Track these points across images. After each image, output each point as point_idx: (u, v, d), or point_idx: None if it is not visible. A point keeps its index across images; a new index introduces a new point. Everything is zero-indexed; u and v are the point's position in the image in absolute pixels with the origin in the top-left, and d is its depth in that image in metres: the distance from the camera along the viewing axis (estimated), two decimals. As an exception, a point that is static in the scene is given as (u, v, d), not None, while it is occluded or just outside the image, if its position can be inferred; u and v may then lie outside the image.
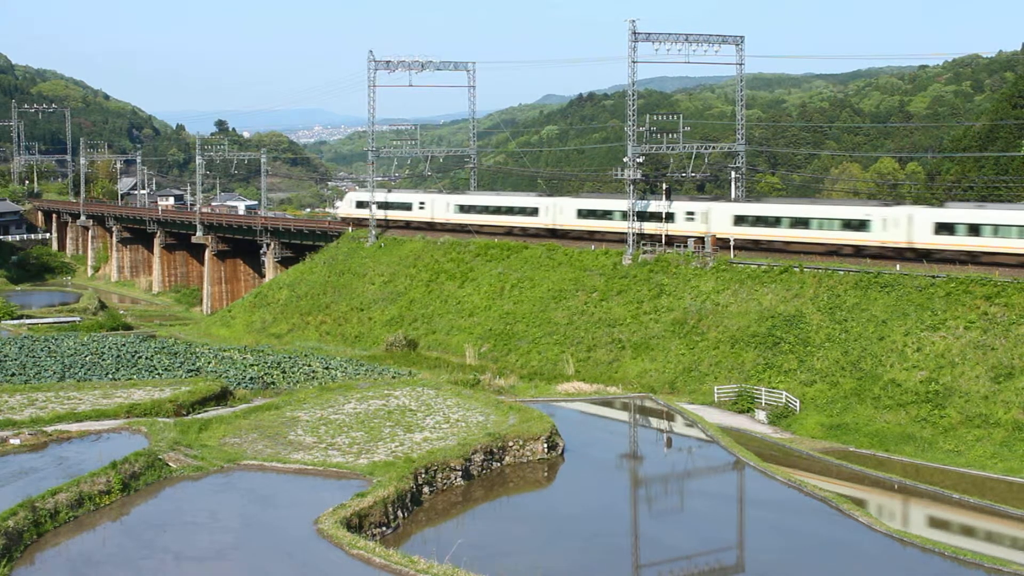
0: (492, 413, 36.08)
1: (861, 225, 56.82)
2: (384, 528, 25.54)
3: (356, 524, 24.58)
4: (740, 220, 62.88)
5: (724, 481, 33.73)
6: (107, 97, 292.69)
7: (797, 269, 55.13)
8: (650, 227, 64.84)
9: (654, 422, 43.11)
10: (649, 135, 68.65)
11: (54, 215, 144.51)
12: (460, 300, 68.83)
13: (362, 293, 76.11)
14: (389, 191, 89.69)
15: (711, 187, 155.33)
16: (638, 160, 65.52)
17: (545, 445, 33.16)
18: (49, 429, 32.00)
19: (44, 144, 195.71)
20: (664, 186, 69.04)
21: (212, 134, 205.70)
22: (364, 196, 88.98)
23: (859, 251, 56.58)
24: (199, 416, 35.35)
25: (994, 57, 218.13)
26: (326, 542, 23.01)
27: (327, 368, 51.34)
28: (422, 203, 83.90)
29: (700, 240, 62.52)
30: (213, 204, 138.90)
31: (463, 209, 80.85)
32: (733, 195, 70.46)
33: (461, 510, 28.59)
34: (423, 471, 28.77)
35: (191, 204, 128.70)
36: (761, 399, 46.80)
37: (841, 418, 44.28)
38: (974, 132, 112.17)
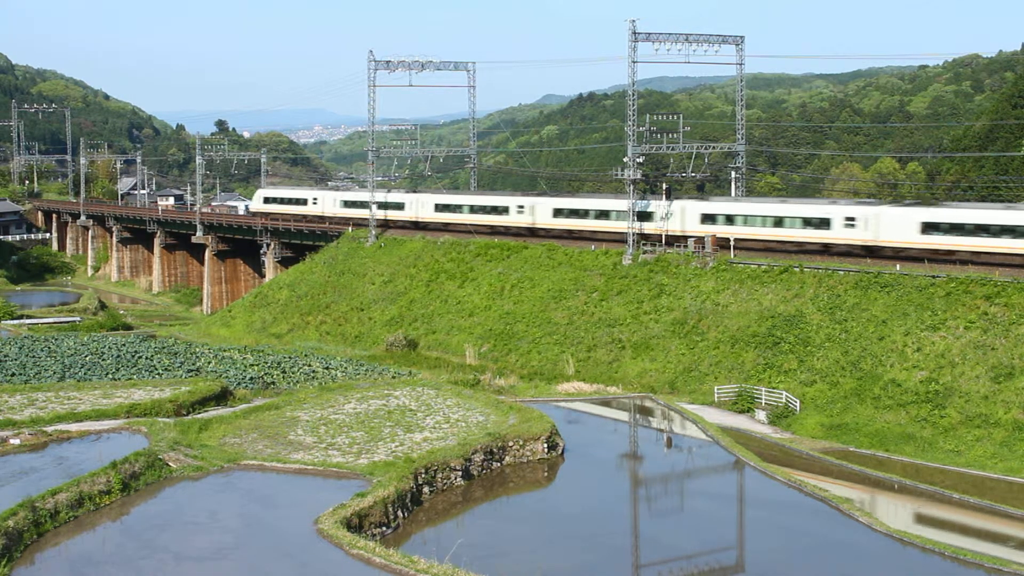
0: (492, 413, 36.08)
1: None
2: (384, 528, 25.55)
3: (356, 524, 24.58)
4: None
5: (724, 481, 33.73)
6: (107, 97, 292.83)
7: (797, 269, 55.14)
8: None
9: (654, 422, 43.11)
10: (649, 135, 68.67)
11: (54, 215, 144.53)
12: (460, 300, 68.84)
13: (362, 293, 76.12)
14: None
15: (711, 187, 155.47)
16: (638, 160, 65.53)
17: (545, 445, 33.16)
18: (49, 429, 32.00)
19: (44, 144, 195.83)
20: (664, 186, 69.07)
21: (212, 134, 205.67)
22: (271, 192, 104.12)
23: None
24: (199, 416, 35.35)
25: (994, 57, 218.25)
26: (326, 542, 23.01)
27: (327, 368, 51.34)
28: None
29: (700, 240, 62.52)
30: (213, 204, 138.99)
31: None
32: (733, 195, 70.47)
33: (461, 510, 28.59)
34: (423, 471, 28.78)
35: (191, 204, 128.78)
36: (761, 399, 46.81)
37: (841, 418, 44.28)
38: (974, 132, 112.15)
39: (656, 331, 56.55)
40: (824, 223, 58.76)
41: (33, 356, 50.07)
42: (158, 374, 46.74)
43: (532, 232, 74.32)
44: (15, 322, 71.64)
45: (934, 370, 44.55)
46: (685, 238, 63.93)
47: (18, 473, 27.40)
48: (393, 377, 48.50)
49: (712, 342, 53.52)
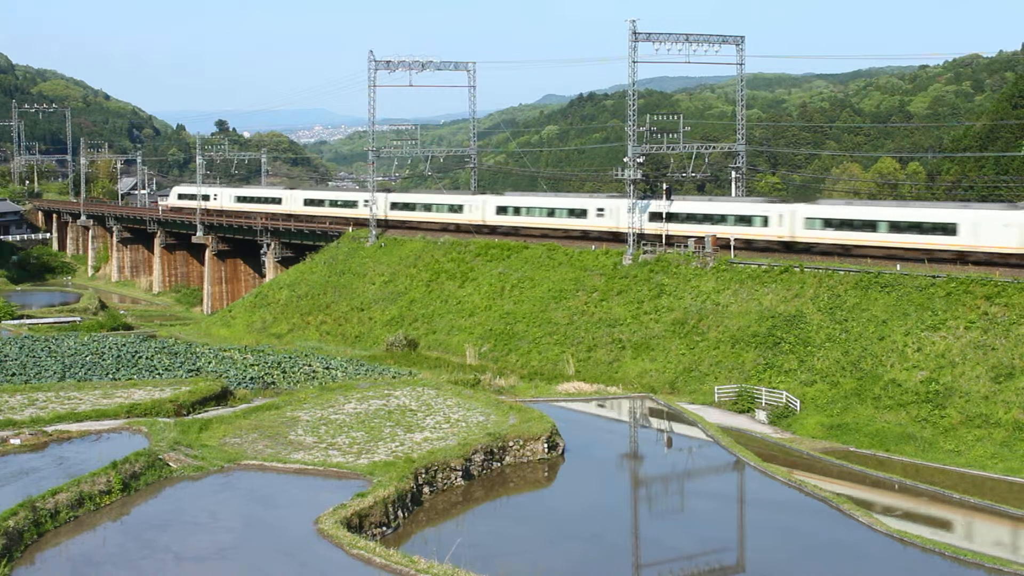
0: (492, 413, 36.08)
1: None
2: (384, 528, 25.54)
3: (356, 524, 24.58)
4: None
5: (724, 481, 33.73)
6: (107, 97, 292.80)
7: (797, 269, 55.14)
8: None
9: (654, 422, 43.11)
10: (649, 135, 68.67)
11: (54, 215, 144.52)
12: (460, 300, 68.85)
13: (362, 293, 76.12)
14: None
15: (711, 187, 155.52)
16: (638, 160, 65.55)
17: (545, 445, 33.16)
18: (49, 429, 32.00)
19: (44, 144, 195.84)
20: (664, 186, 69.12)
21: (212, 134, 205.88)
22: (185, 189, 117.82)
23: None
24: (199, 416, 35.35)
25: (994, 57, 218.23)
26: (326, 542, 23.01)
27: (327, 368, 51.34)
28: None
29: (700, 240, 62.54)
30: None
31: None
32: (733, 195, 70.48)
33: (461, 510, 28.59)
34: (423, 471, 28.77)
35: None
36: (761, 399, 46.81)
37: (841, 418, 44.28)
38: (974, 132, 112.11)
39: (656, 331, 56.54)
40: (583, 213, 71.28)
41: (33, 356, 50.07)
42: (158, 374, 46.74)
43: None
44: (15, 322, 71.67)
45: (934, 370, 44.55)
46: (490, 227, 77.31)
47: (18, 473, 27.41)
48: (393, 377, 48.50)
49: (712, 342, 53.52)
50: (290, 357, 55.18)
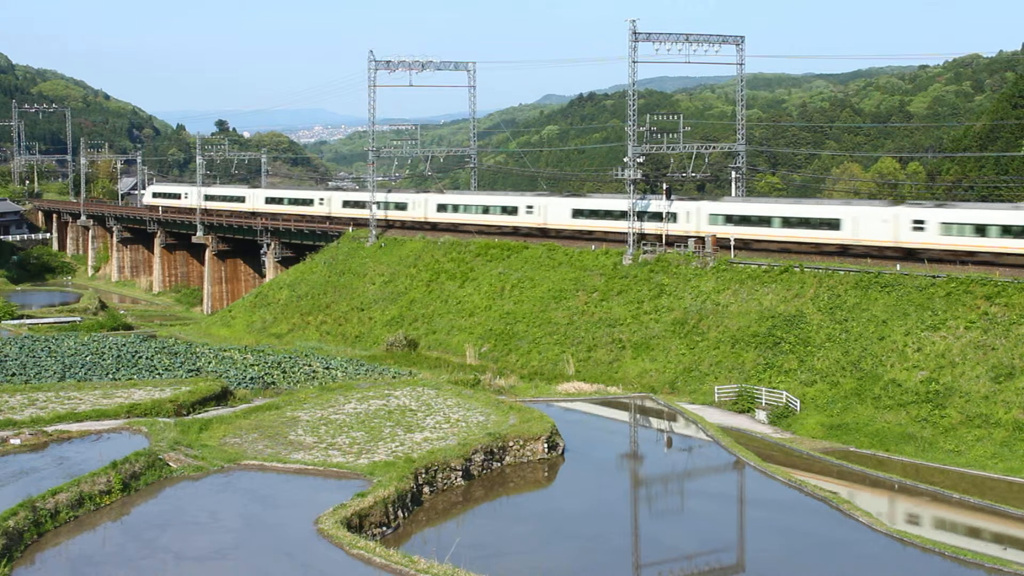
0: (492, 413, 36.08)
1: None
2: (384, 528, 25.55)
3: (356, 524, 24.58)
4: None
5: (724, 481, 33.73)
6: (107, 97, 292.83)
7: (797, 269, 55.15)
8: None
9: (654, 422, 43.11)
10: (649, 135, 68.67)
11: (54, 215, 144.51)
12: (460, 300, 68.85)
13: (362, 293, 76.13)
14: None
15: (711, 187, 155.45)
16: (638, 160, 65.55)
17: (545, 445, 33.16)
18: (49, 429, 32.00)
19: (44, 144, 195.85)
20: (664, 186, 69.16)
21: (212, 134, 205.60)
22: (159, 188, 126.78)
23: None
24: (199, 416, 35.35)
25: (994, 57, 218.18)
26: (326, 542, 23.02)
27: (327, 368, 51.34)
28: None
29: (700, 240, 62.56)
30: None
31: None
32: (733, 195, 70.47)
33: (461, 510, 28.59)
34: (423, 471, 28.78)
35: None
36: (761, 399, 46.81)
37: (841, 418, 44.28)
38: (974, 132, 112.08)
39: (656, 331, 56.55)
40: (514, 210, 76.74)
41: (33, 356, 50.07)
42: (158, 374, 46.75)
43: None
44: (15, 322, 71.66)
45: (934, 370, 44.56)
46: (432, 223, 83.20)
47: (18, 473, 27.41)
48: (393, 377, 48.50)
49: (712, 342, 53.53)
50: (290, 357, 55.18)
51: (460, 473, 29.92)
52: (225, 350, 56.80)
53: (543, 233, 74.05)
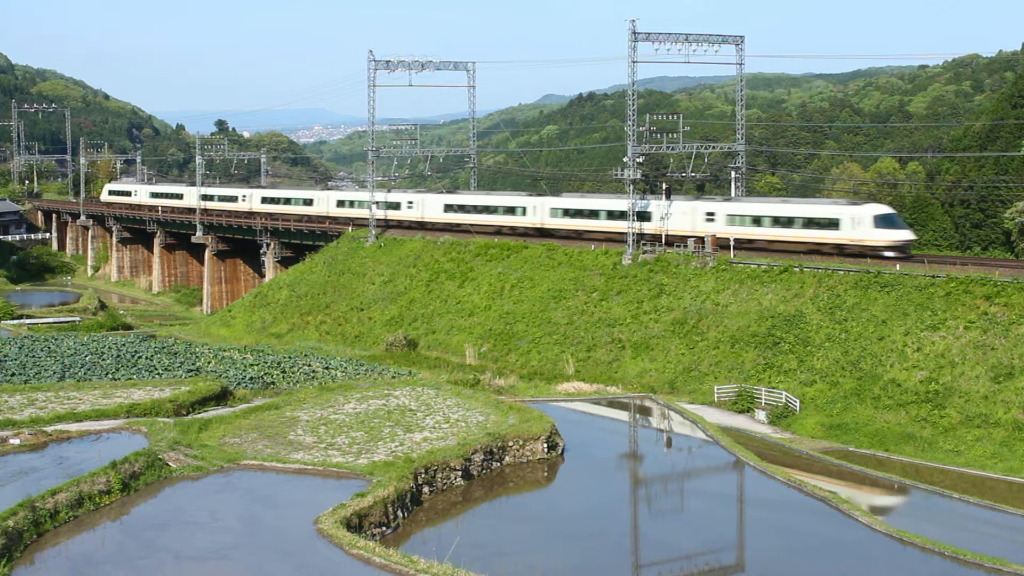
0: (492, 413, 36.07)
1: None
2: (384, 528, 25.53)
3: (356, 524, 24.56)
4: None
5: (724, 481, 33.72)
6: (107, 97, 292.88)
7: (797, 269, 55.14)
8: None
9: (654, 422, 43.09)
10: (649, 135, 68.64)
11: (54, 215, 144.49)
12: (460, 300, 68.84)
13: (362, 293, 76.11)
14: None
15: (711, 187, 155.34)
16: (638, 160, 65.53)
17: (545, 445, 33.15)
18: (49, 429, 31.98)
19: (44, 144, 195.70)
20: (664, 186, 69.15)
21: (212, 134, 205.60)
22: (115, 187, 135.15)
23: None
24: (199, 416, 35.33)
25: (994, 57, 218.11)
26: (326, 542, 23.00)
27: (327, 368, 51.33)
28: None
29: (700, 240, 62.55)
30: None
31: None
32: (733, 195, 70.44)
33: (461, 510, 28.58)
34: (423, 471, 28.76)
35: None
36: (761, 399, 46.81)
37: (841, 418, 44.28)
38: (974, 132, 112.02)
39: (656, 331, 56.54)
40: (397, 205, 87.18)
41: (33, 356, 50.06)
42: (158, 374, 46.73)
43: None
44: (15, 322, 71.64)
45: (934, 370, 44.55)
46: (332, 218, 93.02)
47: (18, 473, 27.39)
48: (393, 377, 48.49)
49: (712, 342, 53.52)
50: (290, 357, 55.16)
51: (460, 473, 29.91)
52: (225, 350, 56.79)
53: (421, 227, 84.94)
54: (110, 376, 45.34)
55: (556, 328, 60.77)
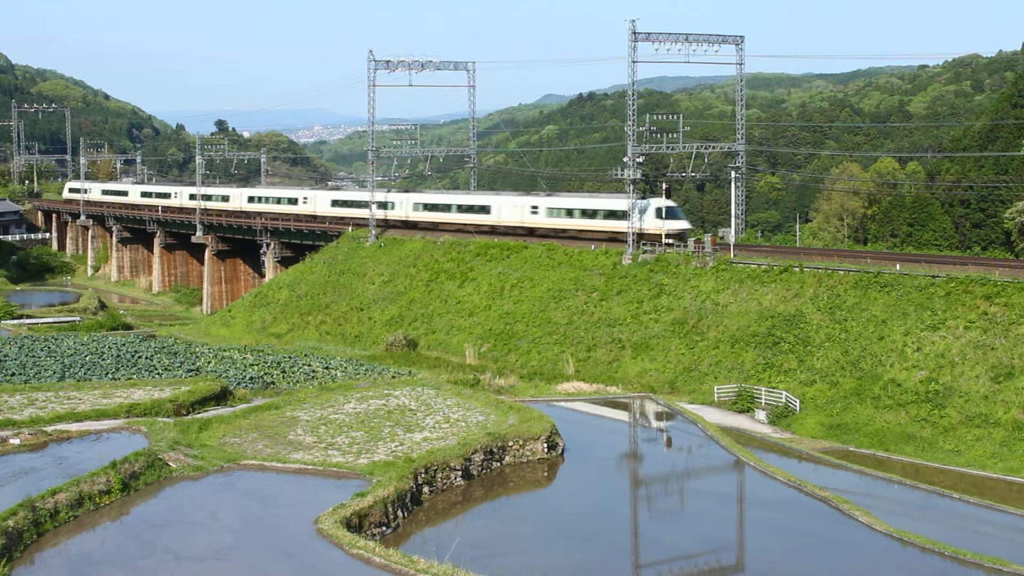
0: (492, 413, 36.07)
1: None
2: (384, 528, 25.53)
3: (356, 524, 24.56)
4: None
5: (724, 481, 33.72)
6: (107, 97, 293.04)
7: (797, 269, 55.15)
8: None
9: (654, 422, 43.09)
10: (649, 135, 68.60)
11: (54, 215, 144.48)
12: (460, 300, 68.83)
13: (362, 293, 76.11)
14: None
15: (711, 187, 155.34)
16: (638, 160, 65.53)
17: (545, 445, 33.15)
18: (49, 429, 31.98)
19: (44, 144, 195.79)
20: (664, 186, 69.12)
21: (212, 134, 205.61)
22: (73, 185, 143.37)
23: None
24: (199, 416, 35.34)
25: (994, 57, 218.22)
26: (326, 542, 23.00)
27: (327, 368, 51.33)
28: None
29: (699, 240, 62.56)
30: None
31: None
32: (733, 195, 70.43)
33: (461, 510, 28.58)
34: (423, 471, 28.76)
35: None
36: (761, 399, 46.81)
37: (841, 418, 44.28)
38: (974, 132, 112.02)
39: (656, 331, 56.54)
40: (295, 200, 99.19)
41: (33, 356, 50.05)
42: (158, 374, 46.73)
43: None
44: (15, 322, 71.63)
45: (934, 370, 44.55)
46: (246, 213, 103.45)
47: (18, 473, 27.39)
48: (393, 377, 48.49)
49: (712, 342, 53.52)
50: (290, 357, 55.16)
51: (460, 473, 29.91)
52: (225, 350, 56.79)
53: (314, 220, 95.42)
54: (110, 376, 45.34)
55: (556, 328, 60.76)
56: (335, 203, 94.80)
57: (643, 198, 68.80)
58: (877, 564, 25.12)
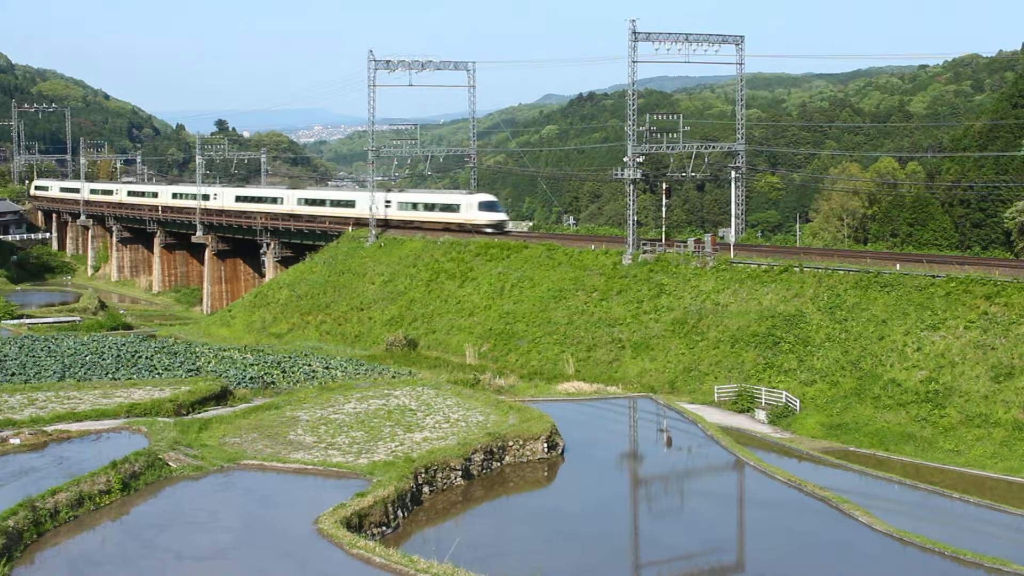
0: (492, 413, 36.07)
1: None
2: (384, 528, 25.54)
3: (356, 524, 24.57)
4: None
5: (724, 481, 33.72)
6: (107, 97, 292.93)
7: (797, 269, 55.15)
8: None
9: (654, 422, 43.07)
10: (649, 135, 68.62)
11: (54, 215, 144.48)
12: (460, 300, 68.83)
13: (362, 293, 76.11)
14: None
15: (711, 187, 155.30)
16: (638, 160, 65.54)
17: (545, 445, 33.15)
18: (49, 429, 31.99)
19: (44, 144, 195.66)
20: (664, 186, 69.13)
21: (212, 134, 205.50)
22: (40, 183, 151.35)
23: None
24: (199, 416, 35.34)
25: (994, 57, 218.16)
26: (326, 542, 23.01)
27: (327, 368, 51.33)
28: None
29: (699, 240, 62.56)
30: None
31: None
32: (733, 195, 70.43)
33: (461, 510, 28.59)
34: (423, 471, 28.77)
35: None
36: (761, 399, 46.81)
37: (841, 418, 44.28)
38: (974, 132, 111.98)
39: (656, 331, 56.53)
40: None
41: (33, 356, 50.05)
42: (158, 374, 46.73)
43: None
44: (15, 322, 71.64)
45: (934, 370, 44.55)
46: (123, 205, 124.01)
47: (18, 473, 27.40)
48: (393, 377, 48.50)
49: (712, 342, 53.52)
50: (290, 357, 55.17)
51: (460, 473, 29.92)
52: (225, 350, 56.80)
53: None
54: (110, 376, 45.34)
55: (556, 328, 60.76)
56: (239, 199, 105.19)
57: (471, 194, 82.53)
58: (877, 564, 25.13)
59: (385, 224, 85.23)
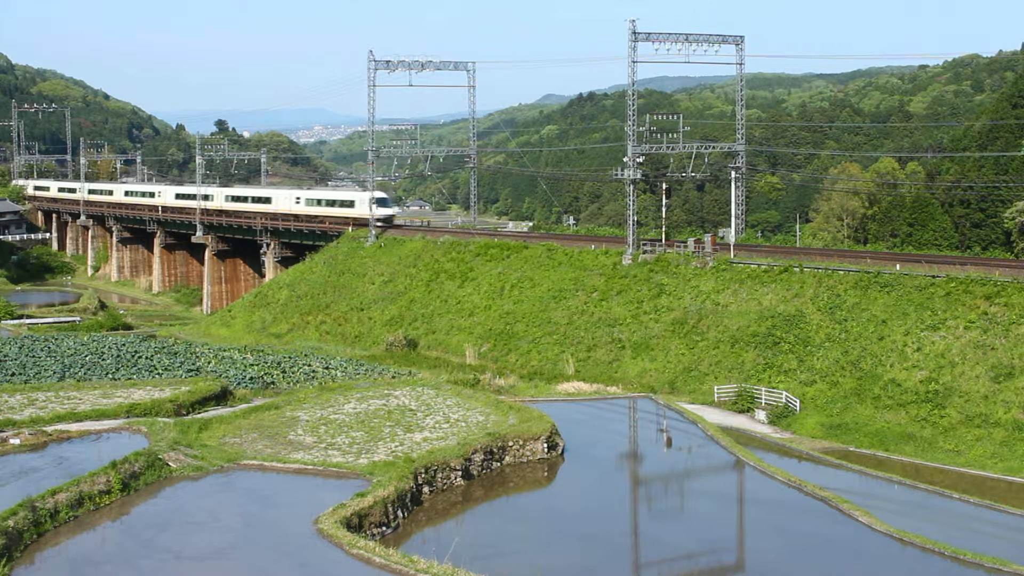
0: (492, 413, 36.07)
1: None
2: (384, 528, 25.54)
3: (356, 524, 24.57)
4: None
5: (724, 481, 33.72)
6: (107, 97, 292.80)
7: (797, 269, 55.15)
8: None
9: (654, 422, 43.06)
10: (649, 135, 68.62)
11: (54, 215, 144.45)
12: (460, 300, 68.83)
13: (362, 293, 76.11)
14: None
15: (711, 187, 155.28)
16: (638, 160, 65.54)
17: (545, 445, 33.15)
18: (49, 429, 32.00)
19: (44, 144, 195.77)
20: (664, 186, 69.14)
21: (212, 134, 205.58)
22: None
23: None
24: (199, 416, 35.34)
25: (994, 57, 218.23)
26: (326, 542, 23.01)
27: (327, 368, 51.33)
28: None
29: (699, 240, 62.53)
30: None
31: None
32: (733, 195, 70.43)
33: (461, 510, 28.59)
34: (423, 471, 28.77)
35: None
36: (761, 399, 46.81)
37: (841, 418, 44.28)
38: (974, 132, 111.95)
39: (656, 331, 56.53)
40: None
41: (33, 356, 50.06)
42: (158, 374, 46.73)
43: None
44: (15, 322, 71.65)
45: (934, 370, 44.55)
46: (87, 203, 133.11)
47: (18, 473, 27.40)
48: (393, 377, 48.50)
49: (712, 342, 53.51)
50: (290, 357, 55.17)
51: (460, 473, 29.92)
52: (225, 350, 56.80)
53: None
54: (110, 376, 45.34)
55: (556, 328, 60.76)
56: (178, 196, 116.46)
57: (364, 190, 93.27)
58: (877, 564, 25.13)
59: (296, 217, 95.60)
